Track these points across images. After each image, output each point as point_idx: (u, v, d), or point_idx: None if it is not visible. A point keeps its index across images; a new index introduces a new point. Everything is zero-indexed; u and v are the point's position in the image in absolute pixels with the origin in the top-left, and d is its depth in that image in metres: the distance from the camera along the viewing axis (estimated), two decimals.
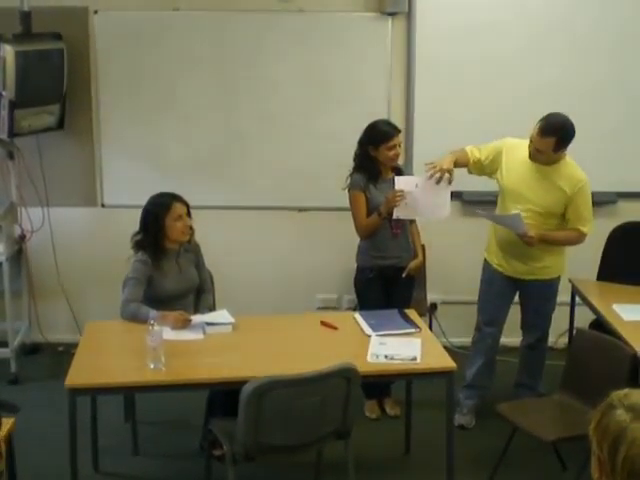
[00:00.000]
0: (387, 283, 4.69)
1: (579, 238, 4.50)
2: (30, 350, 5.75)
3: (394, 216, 4.51)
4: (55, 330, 5.83)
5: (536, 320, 4.74)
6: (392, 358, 3.71)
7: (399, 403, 4.78)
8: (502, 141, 4.58)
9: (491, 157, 4.56)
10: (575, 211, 4.42)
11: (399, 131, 4.61)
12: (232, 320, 4.05)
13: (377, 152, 4.55)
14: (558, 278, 4.68)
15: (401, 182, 4.48)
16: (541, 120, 4.28)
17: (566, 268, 4.69)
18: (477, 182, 4.77)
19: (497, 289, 4.69)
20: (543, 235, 4.42)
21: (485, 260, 4.75)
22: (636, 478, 1.72)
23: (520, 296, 4.75)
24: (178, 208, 4.22)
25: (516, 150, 4.50)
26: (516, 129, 4.55)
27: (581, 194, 4.40)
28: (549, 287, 4.66)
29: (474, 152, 4.59)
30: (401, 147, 4.65)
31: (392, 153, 4.54)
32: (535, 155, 4.37)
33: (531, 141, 4.35)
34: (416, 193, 4.45)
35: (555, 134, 4.25)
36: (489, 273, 4.72)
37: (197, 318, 4.07)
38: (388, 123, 4.67)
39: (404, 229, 4.68)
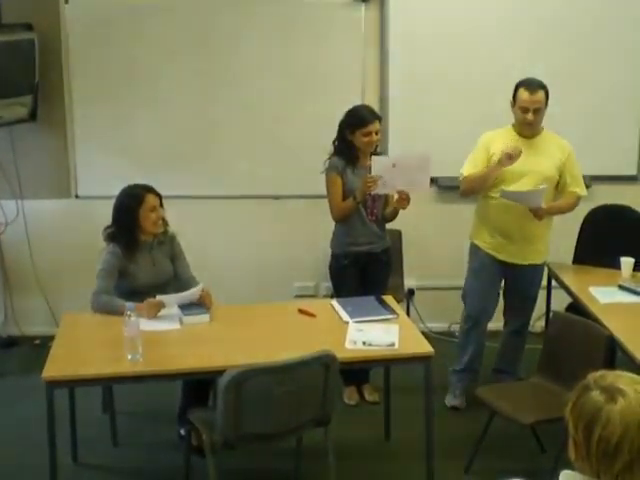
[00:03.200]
0: (362, 269, 4.68)
1: (577, 202, 4.62)
2: (6, 344, 5.71)
3: (374, 192, 4.47)
4: (31, 323, 5.79)
5: (523, 306, 4.79)
6: (370, 344, 3.71)
7: (377, 389, 4.80)
8: (480, 140, 4.59)
9: (485, 159, 4.52)
10: (571, 174, 4.54)
11: (378, 118, 4.56)
12: (200, 286, 4.06)
13: (353, 137, 4.51)
14: (544, 264, 4.75)
15: (377, 162, 4.41)
16: (520, 86, 4.40)
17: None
18: (453, 167, 4.75)
19: (487, 276, 4.68)
20: (549, 207, 4.49)
21: (474, 245, 4.71)
22: (610, 458, 1.74)
23: (507, 282, 4.78)
24: (151, 199, 4.19)
25: (497, 138, 4.54)
26: (492, 115, 4.56)
27: (571, 157, 4.54)
28: (537, 272, 4.74)
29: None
30: (379, 135, 4.58)
31: (367, 139, 4.49)
32: (529, 123, 4.41)
33: (526, 110, 4.37)
34: (394, 172, 4.40)
35: (542, 87, 4.39)
36: (479, 259, 4.69)
37: (166, 298, 4.01)
38: (368, 109, 4.61)
39: (378, 217, 4.67)
